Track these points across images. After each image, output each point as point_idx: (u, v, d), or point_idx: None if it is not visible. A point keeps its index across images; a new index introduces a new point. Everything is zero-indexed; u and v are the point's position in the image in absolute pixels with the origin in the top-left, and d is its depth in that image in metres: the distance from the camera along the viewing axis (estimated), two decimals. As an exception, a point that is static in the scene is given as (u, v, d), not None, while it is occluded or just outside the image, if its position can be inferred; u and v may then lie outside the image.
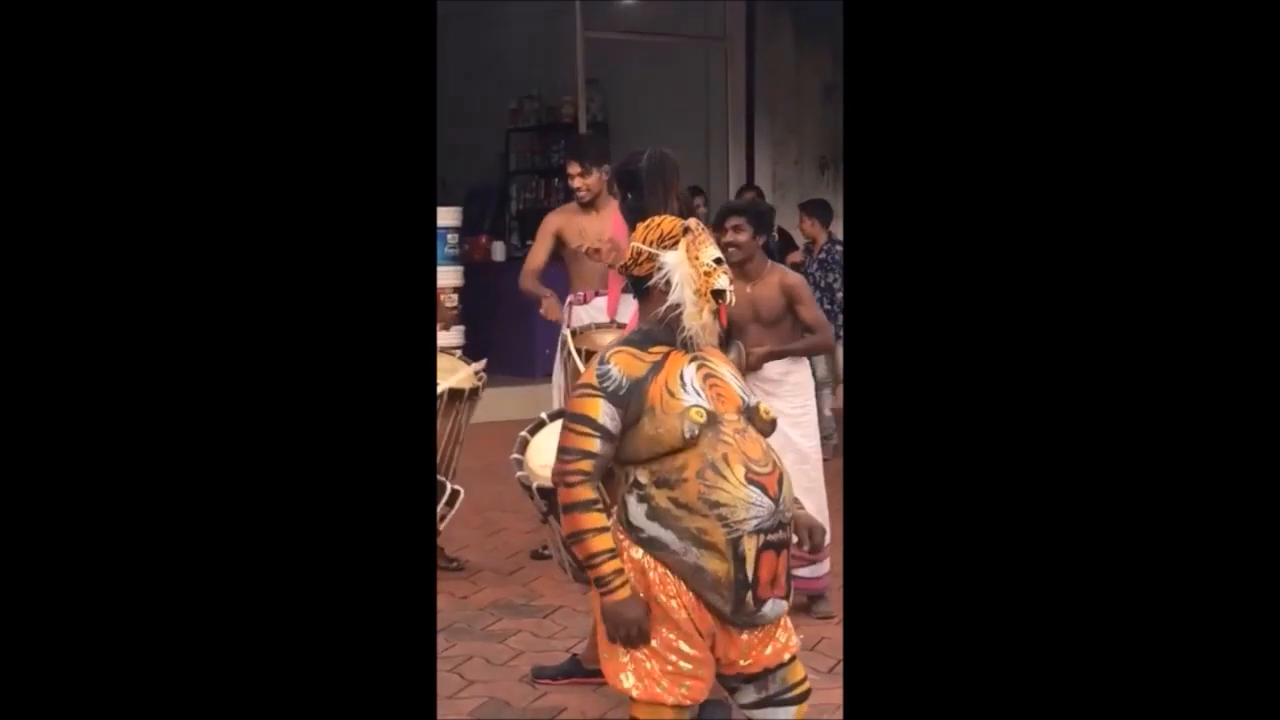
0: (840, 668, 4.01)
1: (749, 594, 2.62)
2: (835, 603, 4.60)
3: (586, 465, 2.64)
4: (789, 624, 2.81)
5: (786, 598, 2.71)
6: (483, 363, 5.23)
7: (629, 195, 3.72)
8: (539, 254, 5.36)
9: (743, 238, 4.49)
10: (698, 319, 2.70)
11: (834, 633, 4.35)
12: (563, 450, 2.68)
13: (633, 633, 2.62)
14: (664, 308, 2.73)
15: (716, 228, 4.65)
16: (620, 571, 2.62)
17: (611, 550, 2.63)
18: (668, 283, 2.72)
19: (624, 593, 2.61)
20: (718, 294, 2.69)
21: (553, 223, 5.44)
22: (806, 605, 4.54)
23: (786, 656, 2.76)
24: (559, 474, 2.68)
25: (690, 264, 2.71)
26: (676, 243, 2.74)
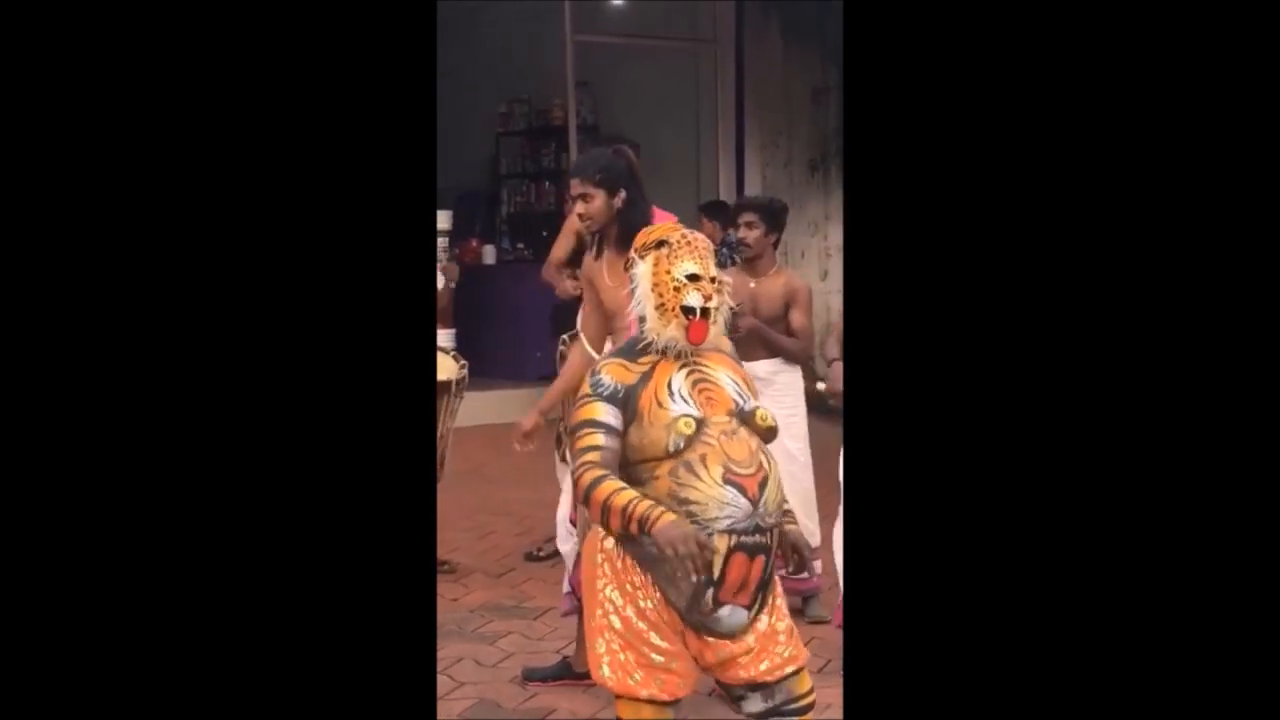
0: (830, 666, 4.00)
1: (710, 592, 2.60)
2: (829, 604, 4.60)
3: (592, 456, 2.63)
4: (796, 637, 2.78)
5: (751, 608, 2.66)
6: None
7: (623, 190, 3.67)
8: (561, 248, 5.41)
9: (754, 234, 4.56)
10: (660, 333, 2.71)
11: (824, 632, 4.35)
12: (572, 460, 2.70)
13: (692, 547, 2.49)
14: (632, 317, 2.76)
15: (730, 223, 4.69)
16: (655, 505, 2.54)
17: (636, 496, 2.56)
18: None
19: (667, 517, 2.52)
20: (687, 310, 2.70)
21: (575, 221, 5.47)
22: (800, 608, 4.52)
23: (790, 669, 2.72)
24: (575, 482, 2.68)
25: (656, 277, 2.73)
26: (650, 253, 2.76)
